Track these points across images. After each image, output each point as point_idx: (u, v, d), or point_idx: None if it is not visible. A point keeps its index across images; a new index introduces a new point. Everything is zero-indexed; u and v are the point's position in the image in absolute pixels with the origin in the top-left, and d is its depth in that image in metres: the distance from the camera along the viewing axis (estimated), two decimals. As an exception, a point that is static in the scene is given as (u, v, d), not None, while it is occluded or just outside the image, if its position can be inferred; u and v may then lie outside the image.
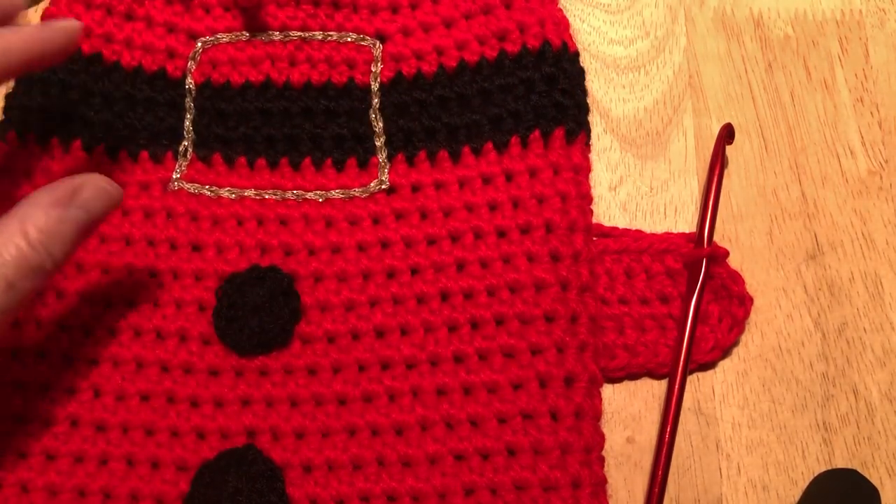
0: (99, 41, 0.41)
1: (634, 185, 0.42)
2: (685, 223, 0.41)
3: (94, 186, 0.32)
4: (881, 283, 0.40)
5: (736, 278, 0.38)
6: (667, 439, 0.36)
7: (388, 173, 0.40)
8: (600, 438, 0.35)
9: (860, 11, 0.45)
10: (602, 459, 0.35)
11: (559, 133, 0.39)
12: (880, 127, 0.42)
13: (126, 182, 0.40)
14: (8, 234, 0.30)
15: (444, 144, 0.40)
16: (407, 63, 0.41)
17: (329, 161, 0.40)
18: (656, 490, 0.36)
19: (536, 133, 0.39)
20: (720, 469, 0.37)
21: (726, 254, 0.39)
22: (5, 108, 0.41)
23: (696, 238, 0.39)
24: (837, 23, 0.44)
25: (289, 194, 0.40)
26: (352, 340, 0.37)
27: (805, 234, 0.41)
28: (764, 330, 0.39)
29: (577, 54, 0.41)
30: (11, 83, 0.41)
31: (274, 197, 0.40)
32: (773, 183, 0.41)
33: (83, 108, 0.40)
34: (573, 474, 0.34)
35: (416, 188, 0.39)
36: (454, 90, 0.40)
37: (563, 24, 0.41)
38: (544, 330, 0.36)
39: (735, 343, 0.39)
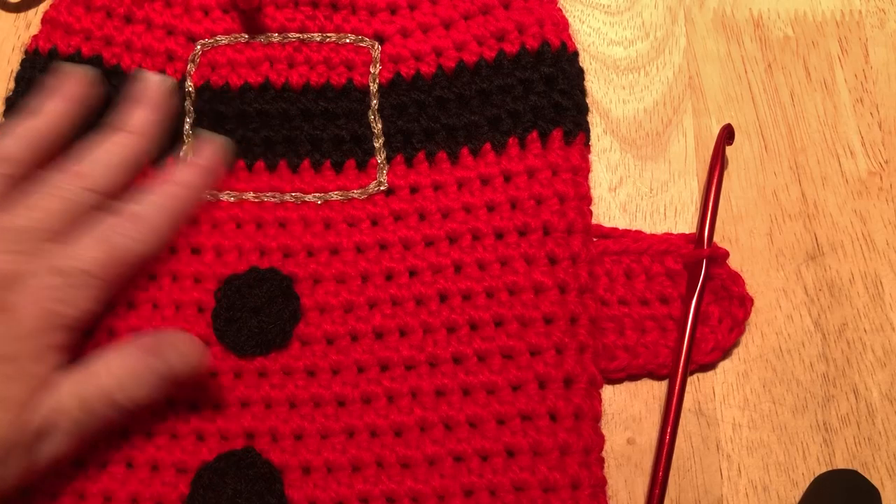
0: (99, 44, 0.41)
1: (634, 186, 0.42)
2: (685, 224, 0.41)
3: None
4: (881, 283, 0.39)
5: (736, 279, 0.38)
6: (667, 440, 0.36)
7: (387, 174, 0.40)
8: (599, 440, 0.35)
9: (860, 12, 0.45)
10: (601, 461, 0.35)
11: (557, 134, 0.39)
12: (880, 127, 0.42)
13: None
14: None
15: (442, 145, 0.40)
16: (405, 64, 0.41)
17: (328, 163, 0.40)
18: (657, 491, 0.36)
19: (534, 134, 0.39)
20: (721, 470, 0.37)
21: (726, 254, 0.39)
22: (6, 112, 0.41)
23: (696, 239, 0.39)
24: (837, 23, 0.44)
25: (287, 196, 0.40)
26: (351, 342, 0.37)
27: (805, 234, 0.40)
28: (764, 331, 0.39)
29: (576, 54, 0.41)
30: (11, 85, 0.41)
31: (273, 199, 0.40)
32: (773, 183, 0.41)
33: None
34: (572, 476, 0.34)
35: (414, 189, 0.39)
36: (453, 91, 0.40)
37: (562, 24, 0.41)
38: (543, 331, 0.36)
39: (735, 344, 0.39)
